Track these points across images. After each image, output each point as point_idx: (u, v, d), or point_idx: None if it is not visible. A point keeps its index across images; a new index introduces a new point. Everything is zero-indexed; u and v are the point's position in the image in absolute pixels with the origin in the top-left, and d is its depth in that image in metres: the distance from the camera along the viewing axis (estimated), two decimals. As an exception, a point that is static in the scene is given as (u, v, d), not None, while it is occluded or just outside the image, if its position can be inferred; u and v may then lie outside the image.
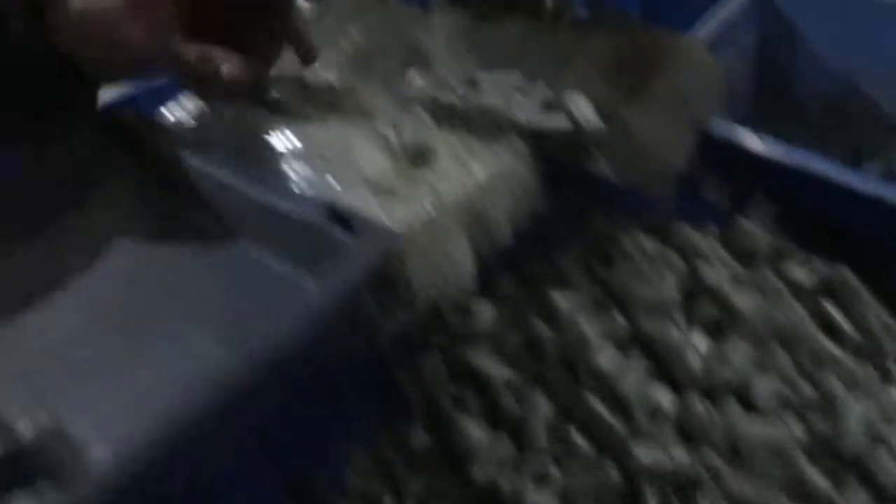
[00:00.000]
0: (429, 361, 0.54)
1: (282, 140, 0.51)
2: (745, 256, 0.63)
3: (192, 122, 0.56)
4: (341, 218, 0.41)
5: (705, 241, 0.64)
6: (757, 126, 0.64)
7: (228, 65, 0.48)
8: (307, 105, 0.56)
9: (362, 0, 0.74)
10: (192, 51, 0.47)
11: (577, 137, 0.53)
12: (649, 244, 0.63)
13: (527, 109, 0.54)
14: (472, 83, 0.59)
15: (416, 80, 0.60)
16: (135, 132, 0.54)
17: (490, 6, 0.63)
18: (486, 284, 0.55)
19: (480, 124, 0.54)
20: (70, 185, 0.53)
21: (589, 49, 0.57)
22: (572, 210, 0.62)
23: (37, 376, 0.41)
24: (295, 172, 0.49)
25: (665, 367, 0.53)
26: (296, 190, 0.46)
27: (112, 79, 0.52)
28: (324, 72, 0.69)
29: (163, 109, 0.59)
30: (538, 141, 0.53)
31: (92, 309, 0.47)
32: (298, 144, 0.51)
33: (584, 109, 0.54)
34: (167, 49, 0.47)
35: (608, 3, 1.26)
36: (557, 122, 0.54)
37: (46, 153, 0.53)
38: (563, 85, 0.57)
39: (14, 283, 0.49)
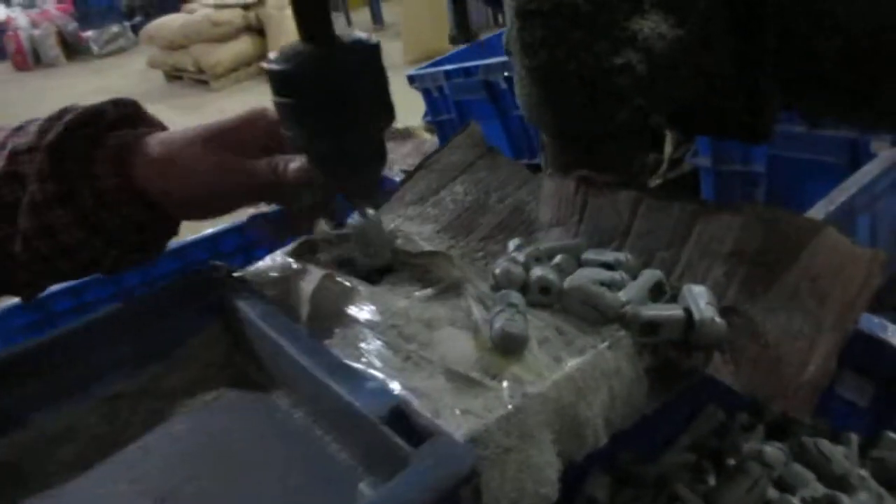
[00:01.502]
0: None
1: (365, 312, 0.48)
2: (893, 481, 0.52)
3: (278, 283, 0.55)
4: (404, 424, 0.36)
5: (844, 456, 0.54)
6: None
7: (293, 164, 0.51)
8: (397, 272, 0.53)
9: (471, 155, 0.72)
10: (261, 164, 0.51)
11: (690, 332, 0.46)
12: (772, 452, 0.54)
13: (633, 294, 0.49)
14: (576, 257, 0.54)
15: (516, 249, 0.57)
16: (221, 289, 0.53)
17: (596, 171, 0.59)
18: (573, 493, 0.47)
19: (578, 308, 0.48)
20: (146, 339, 0.52)
21: (709, 230, 0.51)
22: (681, 408, 0.55)
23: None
24: (374, 351, 0.46)
25: None
26: (370, 376, 0.42)
27: (193, 217, 0.55)
28: (423, 226, 0.67)
29: (256, 265, 0.58)
30: (645, 331, 0.47)
31: (142, 476, 0.44)
32: (379, 318, 0.47)
33: (700, 299, 0.47)
34: (242, 174, 0.51)
35: (732, 153, 1.21)
36: (668, 311, 0.47)
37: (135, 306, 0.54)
38: (677, 268, 0.51)
39: (72, 441, 0.48)
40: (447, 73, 1.55)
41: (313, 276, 0.51)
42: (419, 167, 0.73)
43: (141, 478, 0.44)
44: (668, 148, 1.30)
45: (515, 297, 0.47)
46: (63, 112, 0.51)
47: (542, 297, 0.50)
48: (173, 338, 0.54)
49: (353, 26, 5.57)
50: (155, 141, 0.51)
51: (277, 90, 0.46)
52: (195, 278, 0.56)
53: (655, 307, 0.48)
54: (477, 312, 0.47)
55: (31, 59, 6.33)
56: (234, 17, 4.70)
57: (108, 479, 0.44)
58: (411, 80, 1.66)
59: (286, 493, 0.41)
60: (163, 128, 0.55)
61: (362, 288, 0.50)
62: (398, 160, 2.06)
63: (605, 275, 0.51)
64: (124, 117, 0.52)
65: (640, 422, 0.48)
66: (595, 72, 0.52)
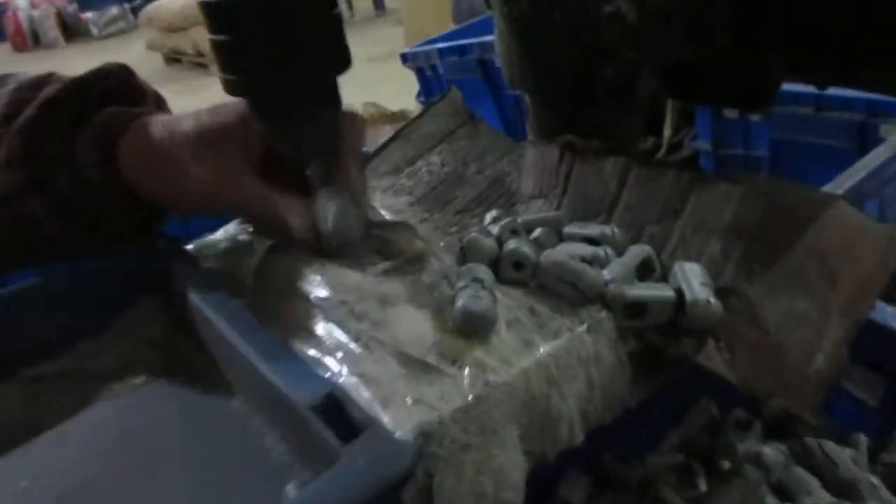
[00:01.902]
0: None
1: (314, 287, 0.43)
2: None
3: (226, 256, 0.49)
4: (339, 415, 0.31)
5: (852, 459, 0.48)
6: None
7: (294, 215, 0.44)
8: (357, 244, 0.48)
9: (452, 123, 0.67)
10: (257, 195, 0.44)
11: (680, 315, 0.41)
12: (771, 454, 0.48)
13: (618, 271, 0.43)
14: (557, 231, 0.48)
15: (492, 222, 0.51)
16: (163, 263, 0.48)
17: (583, 138, 0.53)
18: (546, 495, 0.42)
19: (556, 286, 0.43)
20: (77, 315, 0.47)
21: (705, 202, 0.45)
22: (670, 402, 0.49)
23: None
24: (320, 331, 0.40)
25: None
26: (309, 359, 0.37)
27: (179, 212, 0.50)
28: (396, 199, 0.62)
29: (207, 237, 0.53)
30: (629, 313, 0.41)
31: (51, 469, 0.39)
32: (328, 294, 0.42)
33: (693, 279, 0.42)
34: (234, 189, 0.44)
35: (733, 137, 1.15)
36: (657, 290, 0.42)
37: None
38: (669, 244, 0.46)
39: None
40: (441, 52, 1.49)
41: (261, 249, 0.46)
42: (395, 136, 0.68)
43: (49, 471, 0.38)
44: (667, 132, 1.24)
45: (482, 271, 0.41)
46: (40, 82, 0.44)
47: (516, 273, 0.44)
48: (107, 314, 0.49)
49: (355, 12, 5.49)
50: (146, 130, 0.44)
51: (212, 26, 0.40)
52: (150, 248, 0.50)
53: (642, 286, 0.42)
54: (440, 288, 0.42)
55: (30, 41, 6.28)
56: (234, -1, 4.63)
57: (12, 471, 0.39)
58: (404, 58, 1.60)
59: (206, 493, 0.36)
60: (157, 100, 0.49)
61: (313, 260, 0.44)
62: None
63: (588, 250, 0.45)
64: (113, 90, 0.46)
65: (623, 417, 0.43)
66: (581, 22, 0.46)
